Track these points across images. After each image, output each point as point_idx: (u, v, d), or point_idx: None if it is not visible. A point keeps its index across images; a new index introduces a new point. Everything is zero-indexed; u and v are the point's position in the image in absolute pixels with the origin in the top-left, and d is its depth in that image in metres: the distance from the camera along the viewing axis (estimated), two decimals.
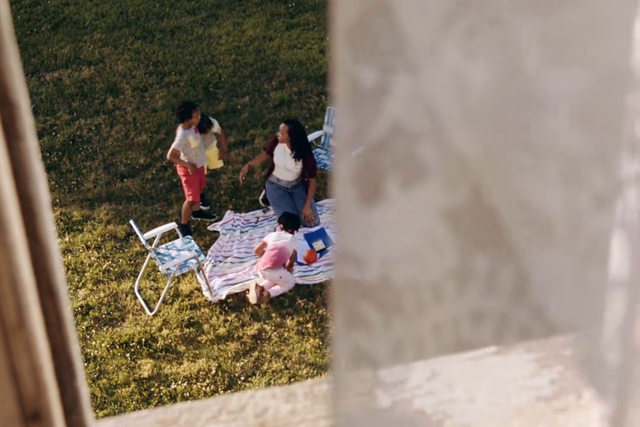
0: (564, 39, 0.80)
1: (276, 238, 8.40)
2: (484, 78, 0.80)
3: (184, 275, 8.48)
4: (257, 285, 8.21)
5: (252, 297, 8.19)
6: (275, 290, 8.29)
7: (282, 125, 9.02)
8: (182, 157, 8.71)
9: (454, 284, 0.86)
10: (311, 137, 9.67)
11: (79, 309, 8.26)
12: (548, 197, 0.84)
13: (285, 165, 9.03)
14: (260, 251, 8.45)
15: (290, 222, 8.48)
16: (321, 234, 8.94)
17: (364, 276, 0.81)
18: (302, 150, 8.97)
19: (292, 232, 8.46)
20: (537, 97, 0.81)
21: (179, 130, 8.72)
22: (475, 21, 0.79)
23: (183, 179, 8.89)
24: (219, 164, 9.50)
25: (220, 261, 8.75)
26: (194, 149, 8.71)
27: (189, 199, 8.87)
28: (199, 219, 9.21)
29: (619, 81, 0.82)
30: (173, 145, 8.71)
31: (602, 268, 0.89)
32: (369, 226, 0.79)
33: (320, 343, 7.87)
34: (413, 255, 0.83)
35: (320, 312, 8.17)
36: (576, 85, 0.81)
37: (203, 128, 9.09)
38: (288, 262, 8.40)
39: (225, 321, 8.12)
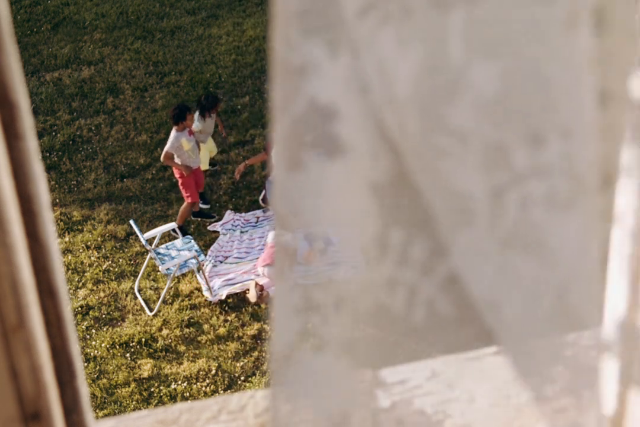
0: (483, 32, 0.84)
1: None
2: (408, 65, 0.85)
3: (184, 275, 8.48)
4: (256, 283, 8.22)
5: (252, 295, 8.20)
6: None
7: None
8: (175, 159, 8.71)
9: (374, 251, 0.92)
10: None
11: (79, 309, 8.26)
12: (469, 180, 0.88)
13: None
14: None
15: None
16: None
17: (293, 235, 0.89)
18: None
19: None
20: (458, 86, 0.85)
21: (172, 133, 8.71)
22: (393, 10, 0.83)
23: (179, 181, 8.90)
24: (214, 150, 9.54)
25: (221, 261, 8.75)
26: (186, 151, 8.71)
27: (187, 200, 8.88)
28: (199, 219, 9.21)
29: (533, 74, 0.86)
30: (166, 148, 8.71)
31: (522, 253, 0.93)
32: (292, 191, 0.88)
33: None
34: (335, 221, 0.91)
35: None
36: (494, 76, 0.85)
37: (211, 106, 9.11)
38: None
39: (225, 321, 8.12)
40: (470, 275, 0.93)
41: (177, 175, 8.90)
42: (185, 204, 8.94)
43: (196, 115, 9.25)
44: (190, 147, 8.72)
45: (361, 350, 0.95)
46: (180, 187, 8.95)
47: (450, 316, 0.93)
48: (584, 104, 0.88)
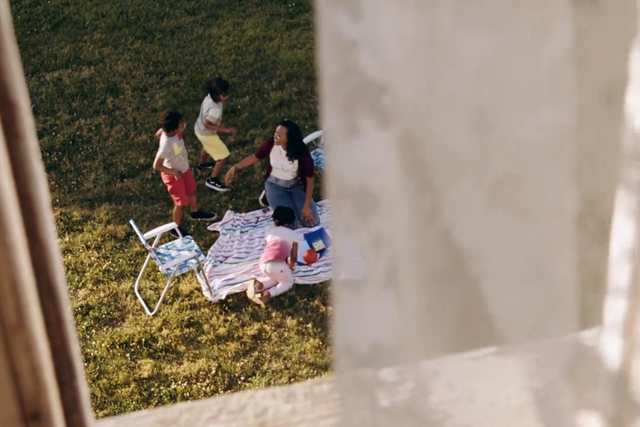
0: (474, 4, 0.91)
1: (275, 233, 8.45)
2: (408, 36, 0.93)
3: (184, 275, 8.48)
4: (255, 280, 8.23)
5: (250, 292, 8.20)
6: (276, 289, 8.29)
7: (279, 128, 8.97)
8: (165, 163, 8.70)
9: (399, 200, 1.00)
10: (311, 137, 9.67)
11: (79, 309, 8.26)
12: (460, 139, 0.97)
13: (282, 166, 9.03)
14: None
15: (283, 216, 8.55)
16: (321, 234, 8.94)
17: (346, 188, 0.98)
18: (297, 151, 8.97)
19: (288, 226, 8.51)
20: (451, 55, 0.93)
21: (164, 139, 8.69)
22: None
23: (168, 187, 8.89)
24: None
25: (221, 261, 8.75)
26: (177, 155, 8.71)
27: (177, 204, 8.89)
28: (199, 219, 9.22)
29: (520, 42, 0.93)
30: (159, 155, 8.69)
31: (509, 205, 1.00)
32: (351, 153, 0.95)
33: (320, 343, 7.87)
34: (376, 173, 0.98)
35: (320, 312, 8.17)
36: (483, 44, 0.92)
37: (222, 89, 9.19)
38: (290, 257, 8.44)
39: (225, 321, 8.13)
40: (459, 226, 0.99)
41: (166, 180, 8.89)
42: (176, 207, 8.94)
43: (209, 101, 9.27)
44: (180, 151, 8.73)
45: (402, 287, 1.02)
46: (170, 193, 8.96)
47: (447, 266, 1.00)
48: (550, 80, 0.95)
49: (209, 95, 9.32)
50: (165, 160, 8.68)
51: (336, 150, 0.94)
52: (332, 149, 0.95)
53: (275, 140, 8.94)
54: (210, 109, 9.25)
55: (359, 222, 0.99)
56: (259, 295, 8.17)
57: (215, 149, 9.49)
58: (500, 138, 0.95)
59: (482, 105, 0.93)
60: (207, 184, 9.47)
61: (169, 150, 8.63)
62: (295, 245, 8.49)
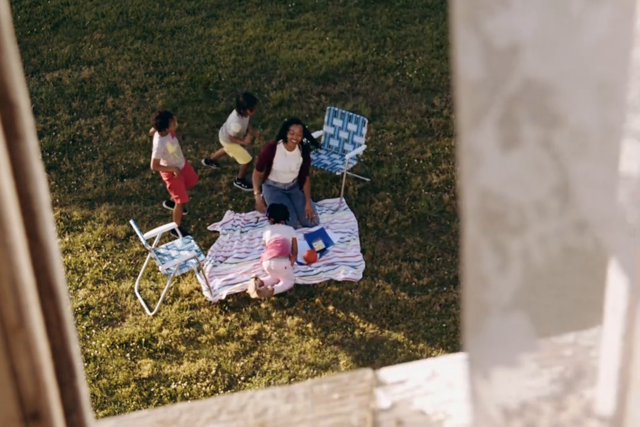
0: None
1: (273, 231, 8.47)
2: (537, 18, 0.92)
3: (184, 275, 8.48)
4: (256, 277, 8.23)
5: (251, 289, 8.20)
6: (279, 286, 8.30)
7: (294, 127, 8.93)
8: (162, 163, 8.72)
9: (557, 200, 1.00)
10: None
11: (79, 309, 8.26)
12: (584, 116, 0.97)
13: (290, 168, 9.03)
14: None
15: (278, 214, 8.58)
16: (321, 234, 8.94)
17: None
18: (308, 147, 9.07)
19: (284, 222, 8.55)
20: (578, 34, 0.93)
21: (156, 139, 8.71)
22: None
23: (167, 184, 8.91)
24: (247, 158, 9.58)
25: (221, 261, 8.75)
26: (172, 154, 8.74)
27: (177, 202, 8.89)
28: (199, 219, 9.21)
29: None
30: (153, 155, 8.71)
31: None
32: (507, 166, 0.94)
33: (320, 343, 7.86)
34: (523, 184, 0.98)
35: (320, 312, 8.16)
36: (606, 19, 0.92)
37: (249, 105, 9.22)
38: (292, 252, 8.47)
39: (225, 321, 8.12)
40: (582, 200, 0.99)
41: (165, 178, 8.90)
42: (176, 206, 8.95)
43: (234, 114, 9.30)
44: (175, 149, 8.76)
45: (539, 311, 1.00)
46: (169, 191, 8.97)
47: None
48: None
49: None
50: (161, 160, 8.70)
51: (487, 164, 0.93)
52: (479, 164, 0.94)
53: (292, 140, 8.92)
54: (232, 122, 9.32)
55: (504, 240, 0.98)
56: (257, 290, 8.17)
57: (237, 154, 9.56)
58: (623, 109, 0.96)
59: (605, 79, 0.94)
60: (234, 184, 9.54)
61: (162, 150, 8.66)
62: (294, 240, 8.52)
